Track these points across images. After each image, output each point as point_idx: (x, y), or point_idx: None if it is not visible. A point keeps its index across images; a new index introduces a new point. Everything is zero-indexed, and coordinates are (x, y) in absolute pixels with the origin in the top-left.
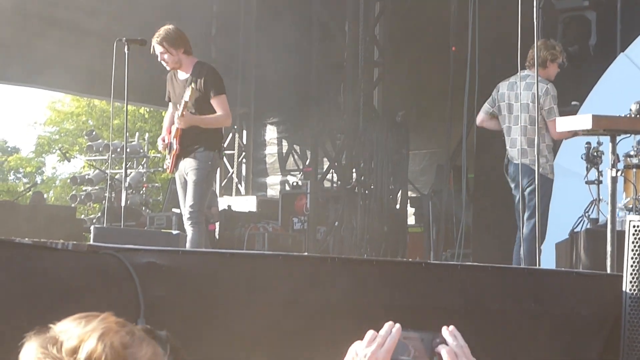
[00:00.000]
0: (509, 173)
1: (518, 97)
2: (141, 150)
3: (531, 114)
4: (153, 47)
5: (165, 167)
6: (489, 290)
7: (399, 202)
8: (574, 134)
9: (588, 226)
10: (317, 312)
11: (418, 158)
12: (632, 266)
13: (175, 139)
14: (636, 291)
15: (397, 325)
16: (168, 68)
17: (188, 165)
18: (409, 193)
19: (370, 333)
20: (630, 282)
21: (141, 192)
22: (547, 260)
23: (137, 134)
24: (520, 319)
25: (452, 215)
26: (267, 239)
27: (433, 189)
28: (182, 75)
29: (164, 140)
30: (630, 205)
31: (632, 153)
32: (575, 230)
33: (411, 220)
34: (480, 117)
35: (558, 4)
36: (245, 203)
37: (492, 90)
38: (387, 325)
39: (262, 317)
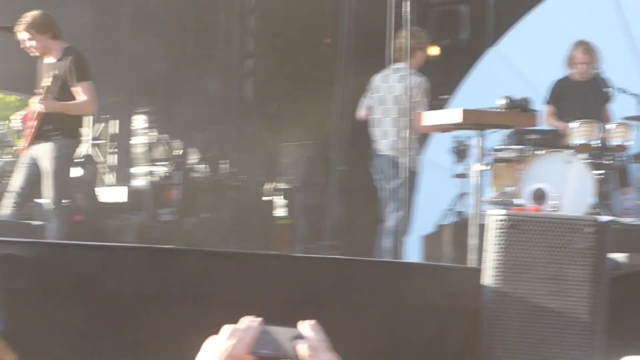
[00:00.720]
0: (376, 165)
1: (390, 89)
2: (7, 140)
3: (402, 106)
4: (18, 34)
5: (17, 149)
6: (351, 283)
7: (268, 193)
8: (442, 128)
9: (455, 219)
10: (174, 304)
11: (290, 150)
12: (492, 259)
13: (33, 122)
14: (496, 284)
15: (257, 319)
16: (35, 54)
17: (43, 152)
18: (280, 185)
19: (228, 327)
20: (491, 275)
21: (2, 181)
22: (414, 253)
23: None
24: (381, 311)
25: (321, 208)
26: (136, 230)
27: (304, 181)
28: (49, 60)
29: (23, 120)
30: (498, 199)
31: (499, 147)
32: (443, 223)
33: (282, 212)
34: (361, 112)
35: None
36: (115, 193)
37: (365, 83)
38: (246, 319)
39: (121, 308)
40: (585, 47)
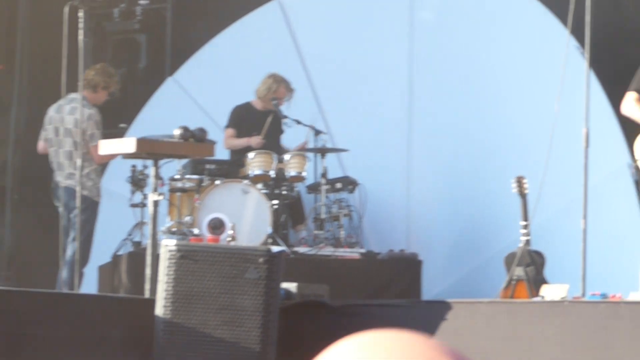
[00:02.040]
0: (56, 196)
1: (63, 120)
2: None
3: (75, 139)
4: None
5: None
6: (30, 315)
7: None
8: (120, 156)
9: (131, 249)
10: None
11: None
12: (165, 290)
13: None
14: (167, 314)
15: None
16: None
17: None
18: None
19: None
20: (163, 305)
21: None
22: (90, 283)
23: None
24: (58, 344)
25: None
26: None
27: None
28: None
29: None
30: (174, 229)
31: (177, 177)
32: (119, 253)
33: None
34: (39, 145)
35: (109, 26)
36: None
37: (41, 112)
38: None
39: None
40: (287, 85)
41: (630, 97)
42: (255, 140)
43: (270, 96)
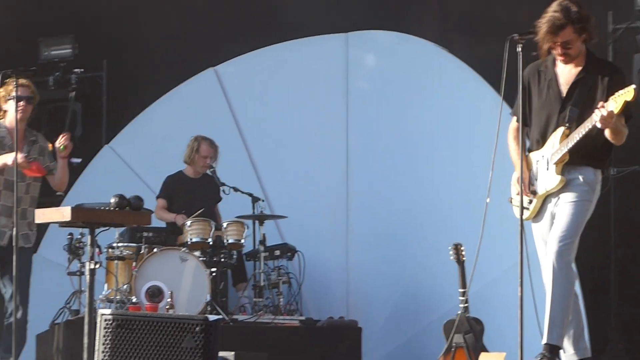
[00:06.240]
0: None
1: None
2: None
3: None
4: None
5: None
6: None
7: None
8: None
9: (69, 317)
10: None
11: None
12: (102, 359)
13: None
14: None
15: None
16: None
17: None
18: None
19: None
20: None
21: None
22: (29, 353)
23: None
24: None
25: None
26: None
27: None
28: None
29: None
30: (112, 297)
31: (114, 245)
32: (56, 322)
33: None
34: None
35: (44, 95)
36: None
37: None
38: None
39: None
40: (212, 143)
41: (511, 124)
42: (180, 219)
43: (193, 156)
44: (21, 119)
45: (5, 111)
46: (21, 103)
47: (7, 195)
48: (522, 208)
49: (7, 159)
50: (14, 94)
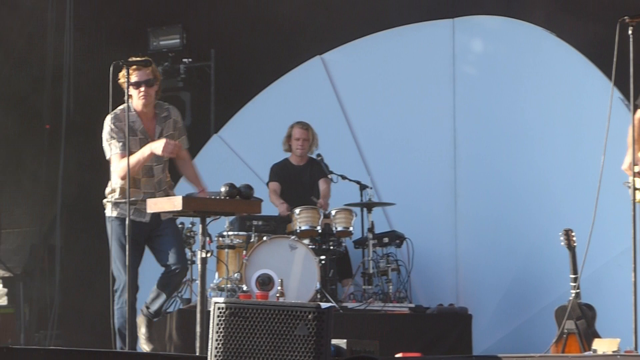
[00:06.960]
0: None
1: None
2: None
3: None
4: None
5: None
6: None
7: None
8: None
9: (180, 306)
10: None
11: (12, 237)
12: (216, 347)
13: None
14: None
15: None
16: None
17: None
18: (1, 273)
19: None
20: None
21: None
22: None
23: None
24: None
25: (45, 296)
26: None
27: (25, 269)
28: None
29: None
30: (223, 286)
31: (224, 233)
32: (168, 310)
33: (3, 301)
34: None
35: None
36: None
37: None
38: None
39: None
40: (303, 125)
41: (637, 114)
42: (282, 209)
43: (289, 143)
44: (145, 105)
45: (130, 96)
46: (141, 88)
47: (147, 182)
48: (635, 190)
49: (156, 148)
50: (132, 78)
